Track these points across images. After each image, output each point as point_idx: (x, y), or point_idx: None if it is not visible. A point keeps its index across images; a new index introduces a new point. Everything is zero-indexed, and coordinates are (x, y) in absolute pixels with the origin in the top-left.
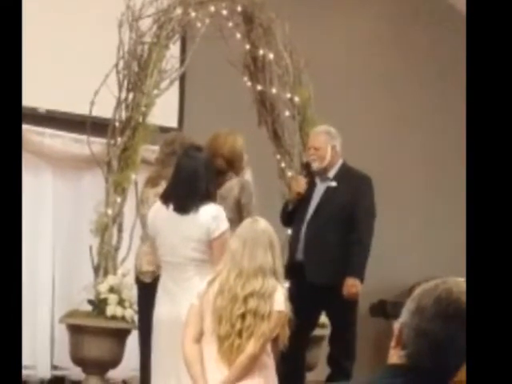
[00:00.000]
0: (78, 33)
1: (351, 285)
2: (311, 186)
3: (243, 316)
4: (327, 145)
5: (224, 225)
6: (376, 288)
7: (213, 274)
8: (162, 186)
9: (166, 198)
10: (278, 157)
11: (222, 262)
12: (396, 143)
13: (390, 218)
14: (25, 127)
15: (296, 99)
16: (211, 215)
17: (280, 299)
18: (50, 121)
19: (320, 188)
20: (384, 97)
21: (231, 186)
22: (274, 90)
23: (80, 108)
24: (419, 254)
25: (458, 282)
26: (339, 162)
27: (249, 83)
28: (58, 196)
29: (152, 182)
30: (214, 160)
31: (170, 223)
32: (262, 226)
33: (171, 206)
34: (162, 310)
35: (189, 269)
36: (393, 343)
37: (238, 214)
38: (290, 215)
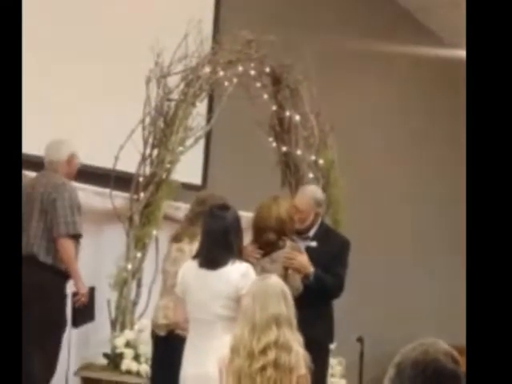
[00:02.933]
0: (105, 87)
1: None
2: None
3: (263, 368)
4: (311, 211)
5: None
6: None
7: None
8: (185, 242)
9: (196, 256)
10: None
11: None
12: (419, 210)
13: (407, 286)
14: None
15: (320, 161)
16: (240, 273)
17: (300, 361)
18: None
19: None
20: (409, 160)
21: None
22: (298, 152)
23: (104, 162)
24: (440, 325)
25: (435, 343)
26: (319, 221)
27: (274, 144)
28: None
29: (176, 237)
30: (262, 234)
31: (199, 280)
32: (273, 280)
33: (201, 263)
34: (189, 367)
35: (217, 326)
36: None
37: (285, 276)
38: None
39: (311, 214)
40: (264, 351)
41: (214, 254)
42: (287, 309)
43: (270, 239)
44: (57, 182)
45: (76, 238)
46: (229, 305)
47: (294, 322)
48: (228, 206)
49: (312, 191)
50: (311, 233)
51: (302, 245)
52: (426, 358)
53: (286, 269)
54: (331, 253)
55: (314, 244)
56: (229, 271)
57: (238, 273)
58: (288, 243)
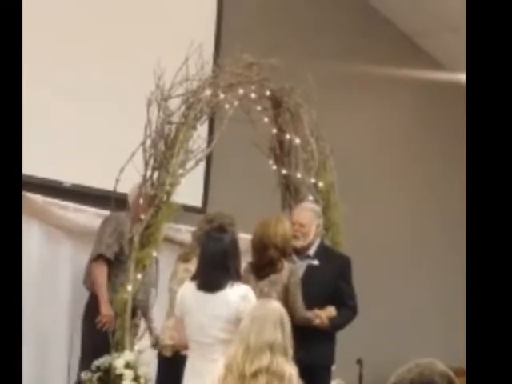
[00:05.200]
0: (106, 109)
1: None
2: None
3: None
4: (312, 222)
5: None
6: None
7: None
8: (192, 263)
9: (194, 278)
10: None
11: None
12: (418, 234)
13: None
14: (49, 200)
15: (320, 184)
16: (239, 295)
17: None
18: (75, 195)
19: (300, 266)
20: (410, 183)
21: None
22: (298, 175)
23: (105, 184)
24: (440, 348)
25: (431, 363)
26: (318, 241)
27: (274, 167)
28: (78, 270)
29: (184, 257)
30: (265, 250)
31: (198, 303)
32: (274, 305)
33: (199, 286)
34: None
35: (217, 349)
36: None
37: (285, 300)
38: None
39: (313, 226)
40: (255, 375)
41: (211, 277)
42: (283, 337)
43: (272, 256)
44: None
45: (107, 260)
46: (228, 328)
47: (290, 351)
48: (226, 228)
49: (308, 204)
50: (311, 251)
51: (303, 264)
52: (422, 379)
53: (285, 293)
54: (334, 270)
55: (315, 262)
56: (228, 294)
57: (237, 295)
58: (286, 265)
